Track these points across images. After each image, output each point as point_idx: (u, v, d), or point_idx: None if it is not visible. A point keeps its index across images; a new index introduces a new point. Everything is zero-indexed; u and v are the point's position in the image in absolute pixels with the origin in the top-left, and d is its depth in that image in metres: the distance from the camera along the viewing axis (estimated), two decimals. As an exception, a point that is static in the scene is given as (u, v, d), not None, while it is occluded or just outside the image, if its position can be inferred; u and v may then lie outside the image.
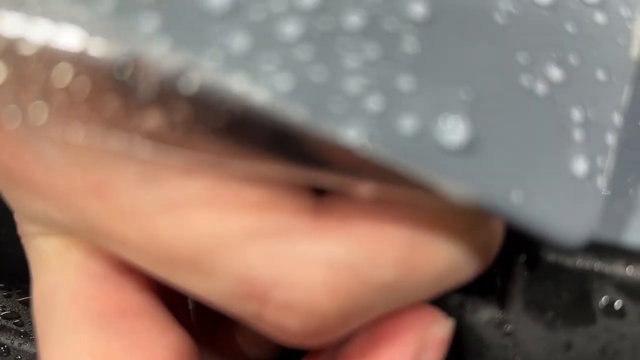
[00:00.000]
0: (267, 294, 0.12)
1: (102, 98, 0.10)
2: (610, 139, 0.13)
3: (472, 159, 0.11)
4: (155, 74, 0.10)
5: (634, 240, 0.15)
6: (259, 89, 0.10)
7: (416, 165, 0.11)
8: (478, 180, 0.11)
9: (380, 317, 0.14)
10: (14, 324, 0.23)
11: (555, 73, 0.13)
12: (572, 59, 0.13)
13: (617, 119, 0.13)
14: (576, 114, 0.13)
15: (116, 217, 0.12)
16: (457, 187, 0.11)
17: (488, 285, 0.16)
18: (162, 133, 0.10)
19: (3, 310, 0.24)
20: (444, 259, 0.13)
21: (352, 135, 0.11)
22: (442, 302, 0.17)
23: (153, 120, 0.10)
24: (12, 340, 0.23)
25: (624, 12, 0.14)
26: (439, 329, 0.14)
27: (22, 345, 0.23)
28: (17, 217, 0.16)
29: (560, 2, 0.13)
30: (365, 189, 0.12)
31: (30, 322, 0.23)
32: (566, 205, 0.12)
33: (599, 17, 0.13)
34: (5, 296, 0.24)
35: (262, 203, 0.12)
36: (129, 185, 0.12)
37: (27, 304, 0.24)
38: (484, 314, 0.17)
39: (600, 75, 0.13)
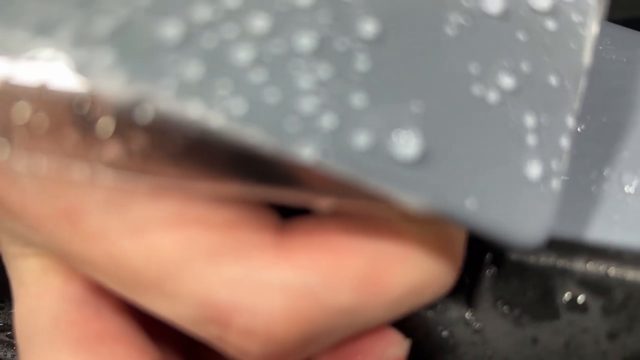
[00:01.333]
0: (229, 320, 0.12)
1: (62, 132, 0.10)
2: (564, 142, 0.14)
3: (425, 170, 0.12)
4: (111, 107, 0.10)
5: (594, 236, 0.16)
6: (213, 114, 0.11)
7: (372, 179, 0.11)
8: (432, 190, 0.12)
9: (343, 340, 0.14)
10: (7, 336, 0.24)
11: (506, 81, 0.13)
12: (524, 67, 0.13)
13: (570, 122, 0.14)
14: (529, 120, 0.13)
15: (84, 241, 0.12)
16: (413, 198, 0.12)
17: (456, 284, 0.17)
18: (121, 161, 0.11)
19: (-6, 324, 0.24)
20: (406, 278, 0.13)
21: (307, 152, 0.11)
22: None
23: (112, 150, 0.10)
24: (5, 352, 0.23)
25: (575, 17, 0.14)
26: (396, 350, 0.15)
27: (15, 357, 0.23)
28: None
29: (511, 11, 0.13)
30: (325, 204, 0.12)
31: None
32: (521, 209, 0.13)
33: (550, 24, 0.14)
34: (-2, 310, 0.25)
35: (224, 225, 0.12)
36: (96, 210, 0.12)
37: None
38: (454, 312, 0.17)
39: (553, 80, 0.14)
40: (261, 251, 0.12)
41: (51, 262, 0.15)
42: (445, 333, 0.17)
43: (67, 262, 0.14)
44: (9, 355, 0.24)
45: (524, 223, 0.13)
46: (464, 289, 0.17)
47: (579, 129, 0.19)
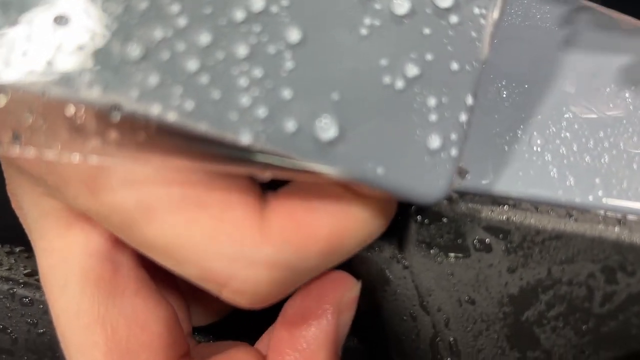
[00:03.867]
0: (225, 283, 0.16)
1: (55, 131, 0.14)
2: (463, 117, 0.16)
3: (343, 147, 0.15)
4: (91, 111, 0.13)
5: (501, 188, 0.19)
6: (169, 112, 0.14)
7: (298, 156, 0.15)
8: (349, 163, 0.15)
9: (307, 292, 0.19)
10: (35, 280, 0.27)
11: (412, 70, 0.16)
12: (428, 56, 0.16)
13: (470, 100, 0.16)
14: (432, 101, 0.16)
15: (103, 210, 0.15)
16: (334, 169, 0.15)
17: (389, 230, 0.20)
18: (100, 150, 0.14)
19: (25, 269, 0.27)
20: (356, 236, 0.17)
21: (245, 137, 0.14)
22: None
23: (92, 142, 0.14)
24: (34, 293, 0.27)
25: (477, 10, 0.17)
26: (351, 293, 0.19)
27: (43, 297, 0.26)
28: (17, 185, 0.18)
29: (417, 11, 0.16)
30: (267, 175, 0.15)
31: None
32: (424, 173, 0.16)
33: (453, 18, 0.16)
34: (27, 257, 0.29)
35: (219, 206, 0.15)
36: (114, 184, 0.15)
37: None
38: (387, 252, 0.20)
39: (455, 66, 0.16)
40: (249, 230, 0.16)
41: (73, 218, 0.18)
42: (381, 269, 0.21)
43: (89, 216, 0.17)
44: (37, 295, 0.27)
45: (426, 183, 0.16)
46: (395, 233, 0.20)
47: (504, 95, 0.21)
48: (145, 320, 0.18)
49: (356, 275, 0.20)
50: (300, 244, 0.16)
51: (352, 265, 0.21)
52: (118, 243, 0.18)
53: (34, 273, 0.27)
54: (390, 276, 0.20)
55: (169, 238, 0.15)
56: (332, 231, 0.16)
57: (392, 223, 0.20)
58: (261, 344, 0.22)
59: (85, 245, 0.18)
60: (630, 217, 0.18)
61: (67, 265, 0.17)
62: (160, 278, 0.20)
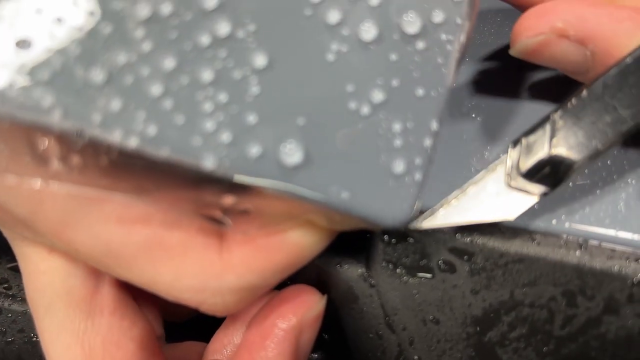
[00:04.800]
0: (198, 307, 0.17)
1: (18, 156, 0.14)
2: (428, 142, 0.16)
3: (308, 172, 0.15)
4: (52, 136, 0.13)
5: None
6: (131, 137, 0.14)
7: (261, 181, 0.15)
8: (314, 187, 0.15)
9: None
10: (4, 288, 0.27)
11: (378, 96, 0.16)
12: (394, 82, 0.16)
13: (434, 125, 0.17)
14: (397, 126, 0.16)
15: (75, 253, 0.17)
16: (298, 193, 0.15)
17: (358, 249, 0.20)
18: (62, 175, 0.14)
19: (-6, 278, 0.28)
20: (304, 253, 0.17)
21: (209, 161, 0.14)
22: (325, 262, 0.21)
23: (55, 167, 0.14)
24: (2, 301, 0.26)
25: (444, 36, 0.17)
26: (315, 310, 0.19)
27: (11, 305, 0.26)
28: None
29: (384, 37, 0.16)
30: (229, 200, 0.16)
31: (17, 285, 0.27)
32: (388, 197, 0.16)
33: (420, 44, 0.16)
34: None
35: (183, 247, 0.16)
36: (79, 233, 0.16)
37: (15, 269, 0.27)
38: (355, 271, 0.20)
39: (420, 91, 0.16)
40: (210, 264, 0.17)
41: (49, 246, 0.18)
42: (349, 286, 0.21)
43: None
44: (5, 304, 0.26)
45: (390, 207, 0.16)
46: (363, 252, 0.21)
47: (472, 115, 0.22)
48: (120, 338, 0.19)
49: (324, 291, 0.21)
50: (260, 268, 0.17)
51: (320, 281, 0.21)
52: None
53: (2, 282, 0.27)
54: (358, 294, 0.21)
55: (141, 280, 0.17)
56: (288, 252, 0.17)
57: (360, 242, 0.20)
58: (216, 343, 0.22)
59: (67, 266, 0.18)
60: (592, 242, 0.18)
61: (51, 288, 0.18)
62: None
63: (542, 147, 0.17)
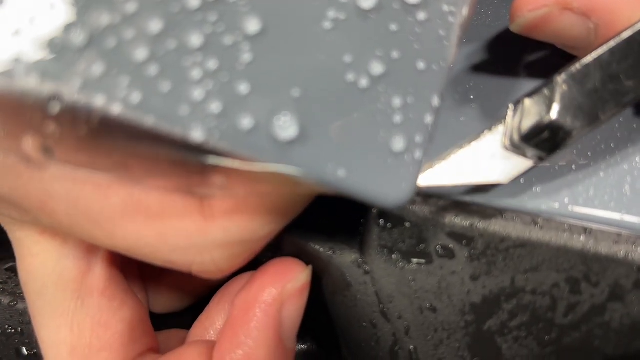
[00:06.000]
0: (188, 268, 0.17)
1: None
2: (429, 119, 0.16)
3: (303, 147, 0.14)
4: (29, 101, 0.12)
5: (465, 195, 0.18)
6: (113, 104, 0.13)
7: (255, 155, 0.14)
8: (309, 164, 0.14)
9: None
10: None
11: (377, 68, 0.15)
12: (394, 54, 0.15)
13: (436, 101, 0.16)
14: (396, 101, 0.15)
15: (61, 229, 0.16)
16: (292, 170, 0.14)
17: (352, 234, 0.19)
18: (39, 149, 0.13)
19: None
20: (292, 198, 0.17)
21: (197, 132, 0.13)
22: (317, 250, 0.20)
23: (30, 141, 0.13)
24: None
25: (446, 7, 0.16)
26: (297, 281, 0.18)
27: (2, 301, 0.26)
28: None
29: (384, 6, 0.15)
30: (217, 180, 0.15)
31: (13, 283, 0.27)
32: (386, 176, 0.15)
33: (421, 15, 0.16)
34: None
35: (161, 206, 0.16)
36: (61, 207, 0.15)
37: (12, 270, 0.27)
38: (349, 257, 0.20)
39: (421, 65, 0.16)
40: (193, 221, 0.16)
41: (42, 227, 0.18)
42: (342, 273, 0.20)
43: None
44: None
45: (388, 186, 0.15)
46: (357, 237, 0.20)
47: (471, 97, 0.21)
48: (109, 320, 0.19)
49: (316, 278, 0.20)
50: (245, 218, 0.16)
51: (313, 270, 0.20)
52: (88, 244, 0.19)
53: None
54: (351, 281, 0.20)
55: (126, 245, 0.16)
56: (274, 199, 0.17)
57: (354, 226, 0.19)
58: (198, 328, 0.22)
59: (59, 248, 0.18)
60: (596, 226, 0.17)
61: (43, 269, 0.18)
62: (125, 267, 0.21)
63: (542, 111, 0.16)
